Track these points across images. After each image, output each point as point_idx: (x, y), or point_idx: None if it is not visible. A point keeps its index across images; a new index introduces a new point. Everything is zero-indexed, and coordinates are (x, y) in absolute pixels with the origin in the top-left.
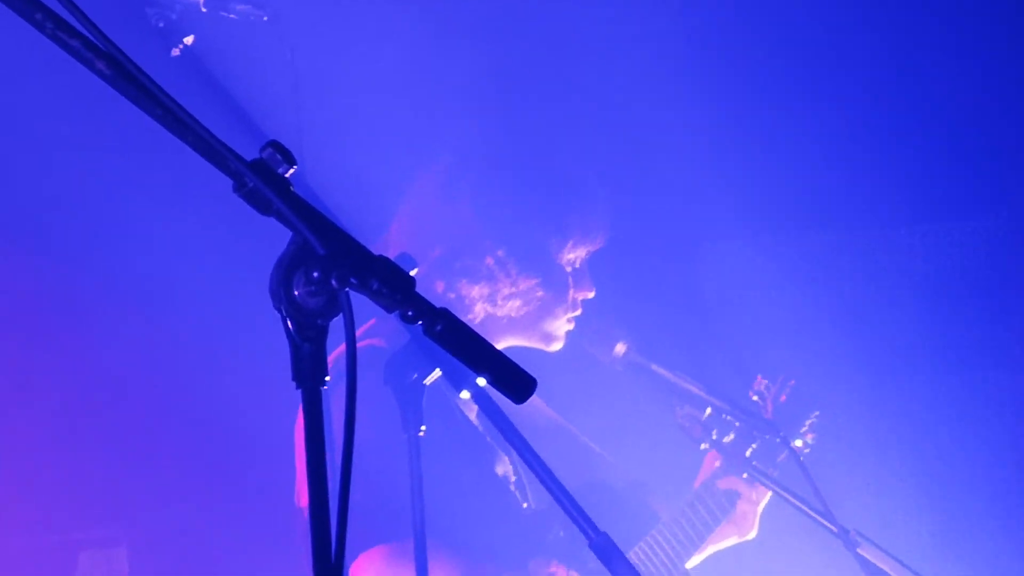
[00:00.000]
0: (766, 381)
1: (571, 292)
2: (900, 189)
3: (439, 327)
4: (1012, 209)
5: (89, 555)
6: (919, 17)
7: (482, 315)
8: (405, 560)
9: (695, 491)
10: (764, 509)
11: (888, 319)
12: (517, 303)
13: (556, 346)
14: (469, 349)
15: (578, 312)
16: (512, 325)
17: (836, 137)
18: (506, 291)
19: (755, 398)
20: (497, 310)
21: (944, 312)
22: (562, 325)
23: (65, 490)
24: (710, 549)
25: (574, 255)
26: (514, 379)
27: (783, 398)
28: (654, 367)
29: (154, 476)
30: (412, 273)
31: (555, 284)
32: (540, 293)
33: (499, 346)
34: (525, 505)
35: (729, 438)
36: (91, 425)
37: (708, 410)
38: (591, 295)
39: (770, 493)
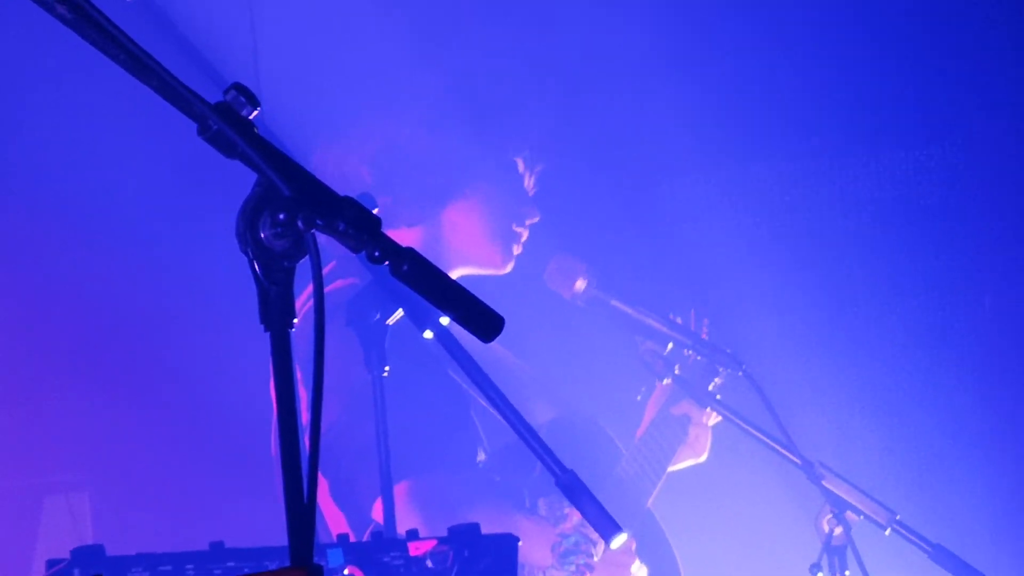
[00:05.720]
0: (679, 318)
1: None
2: (856, 118)
3: (405, 267)
4: (964, 139)
5: (53, 500)
6: None
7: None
8: (429, 494)
9: (651, 423)
10: (727, 444)
11: (846, 248)
12: (463, 222)
13: (506, 265)
14: (436, 288)
15: (525, 234)
16: (461, 248)
17: (790, 70)
18: (451, 212)
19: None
20: (445, 233)
21: (899, 239)
22: (510, 244)
23: (29, 434)
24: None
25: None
26: (481, 318)
27: (704, 335)
28: (615, 303)
29: (119, 422)
30: (374, 212)
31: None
32: (483, 210)
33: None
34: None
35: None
36: (56, 369)
37: (670, 345)
38: (536, 219)
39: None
